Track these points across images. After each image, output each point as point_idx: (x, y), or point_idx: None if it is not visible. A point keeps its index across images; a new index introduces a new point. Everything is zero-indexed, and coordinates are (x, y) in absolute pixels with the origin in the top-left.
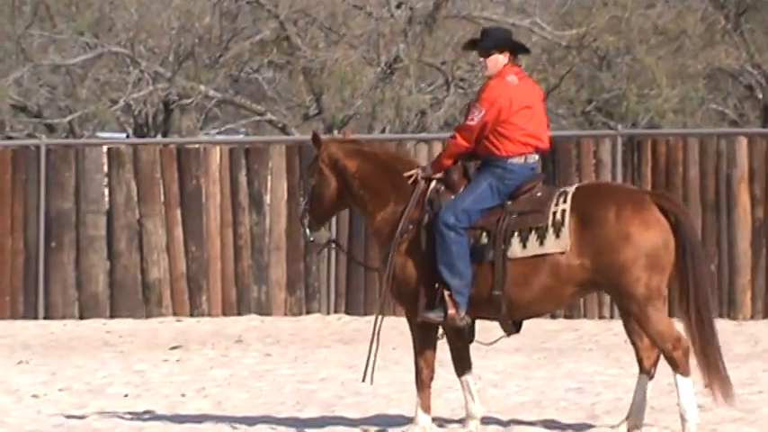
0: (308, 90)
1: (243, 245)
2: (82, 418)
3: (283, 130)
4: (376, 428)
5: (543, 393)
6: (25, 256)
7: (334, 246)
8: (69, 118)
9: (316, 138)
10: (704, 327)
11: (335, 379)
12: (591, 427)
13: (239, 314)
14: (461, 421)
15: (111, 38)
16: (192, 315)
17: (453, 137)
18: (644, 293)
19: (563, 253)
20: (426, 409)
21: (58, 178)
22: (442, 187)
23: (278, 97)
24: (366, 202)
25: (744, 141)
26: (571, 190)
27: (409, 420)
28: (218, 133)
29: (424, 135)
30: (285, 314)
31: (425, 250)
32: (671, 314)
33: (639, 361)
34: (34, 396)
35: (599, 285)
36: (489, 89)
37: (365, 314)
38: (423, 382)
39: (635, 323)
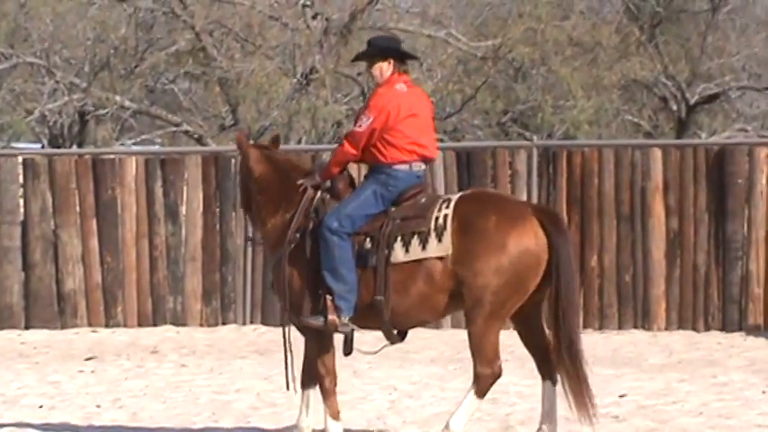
0: (224, 101)
1: (158, 255)
2: None
3: (199, 140)
4: None
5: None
6: None
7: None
8: None
9: (239, 141)
10: (571, 346)
11: (251, 390)
12: None
13: (155, 325)
14: None
15: (26, 48)
16: (107, 326)
17: (341, 144)
18: (493, 307)
19: (443, 258)
20: (335, 415)
21: None
22: (328, 196)
23: (194, 108)
24: (260, 208)
25: (658, 153)
26: (455, 197)
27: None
28: (133, 144)
29: None
30: (201, 325)
31: (310, 258)
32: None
33: (540, 370)
34: None
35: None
36: (377, 97)
37: (281, 325)
38: (327, 389)
39: (473, 334)
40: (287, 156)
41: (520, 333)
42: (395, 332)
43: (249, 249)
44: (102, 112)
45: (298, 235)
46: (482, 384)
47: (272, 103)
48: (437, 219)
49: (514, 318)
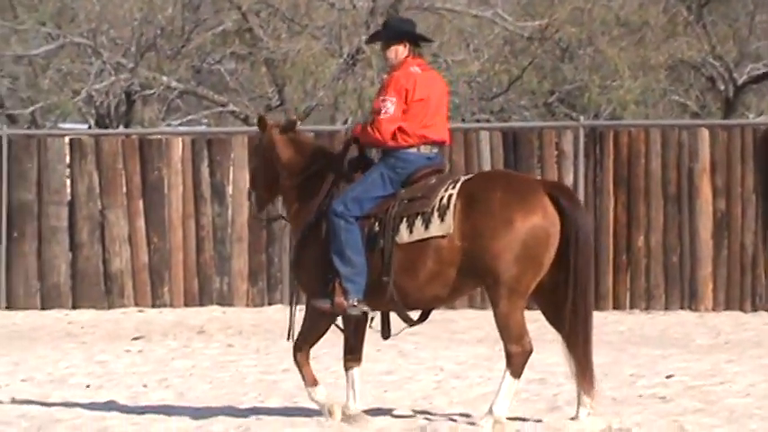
0: (270, 81)
1: (205, 236)
2: (45, 408)
3: (245, 120)
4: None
5: None
6: None
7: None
8: (31, 109)
9: (261, 121)
10: (581, 323)
11: (297, 370)
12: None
13: (201, 305)
14: (423, 412)
15: (73, 28)
16: (153, 306)
17: (369, 130)
18: (510, 284)
19: (445, 237)
20: (312, 382)
21: (20, 169)
22: (343, 182)
23: (240, 88)
24: (286, 191)
25: (705, 133)
26: (464, 177)
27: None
28: (180, 124)
29: None
30: (247, 305)
31: (323, 240)
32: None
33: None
34: None
35: (479, 274)
36: (395, 81)
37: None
38: (299, 361)
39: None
40: (310, 139)
41: (544, 312)
42: (410, 314)
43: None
44: (148, 92)
45: (313, 218)
46: (515, 363)
47: (319, 84)
48: (441, 198)
49: (536, 297)
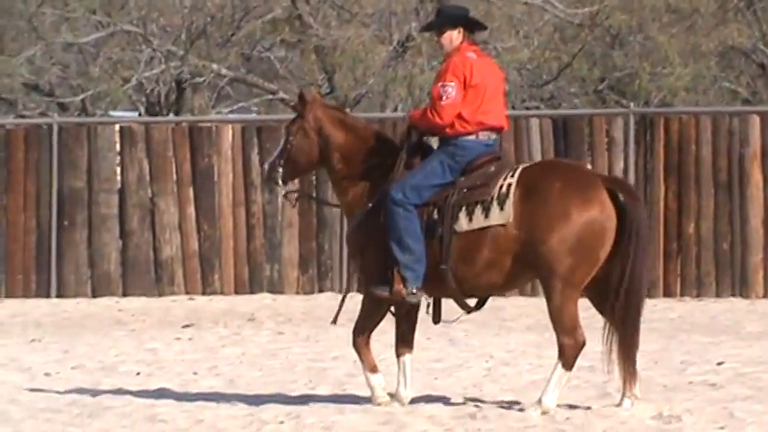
0: (320, 68)
1: (255, 223)
2: (95, 395)
3: (295, 108)
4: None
5: None
6: (38, 234)
7: (308, 198)
8: (81, 96)
9: (303, 98)
10: (630, 316)
11: (348, 357)
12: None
13: (251, 293)
14: (477, 399)
15: (123, 16)
16: (204, 293)
17: (431, 115)
18: (565, 277)
19: (505, 226)
20: (373, 369)
21: (71, 157)
22: (403, 168)
23: (290, 76)
24: (342, 177)
25: (756, 120)
26: (523, 166)
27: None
28: (230, 112)
29: None
30: (297, 293)
31: (381, 227)
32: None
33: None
34: (47, 374)
35: (534, 264)
36: (453, 66)
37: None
38: (359, 345)
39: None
40: (355, 119)
41: (593, 302)
42: (468, 301)
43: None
44: (198, 80)
45: (371, 204)
46: (567, 355)
47: (369, 71)
48: (501, 187)
49: (588, 288)
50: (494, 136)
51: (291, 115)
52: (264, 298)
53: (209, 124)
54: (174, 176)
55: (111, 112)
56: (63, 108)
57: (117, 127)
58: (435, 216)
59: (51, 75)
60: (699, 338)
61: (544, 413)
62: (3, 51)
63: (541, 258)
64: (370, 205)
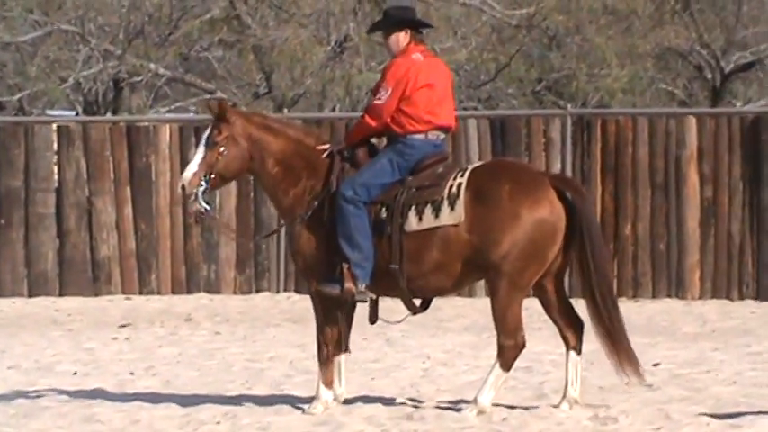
0: (258, 68)
1: (192, 223)
2: (31, 395)
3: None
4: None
5: None
6: None
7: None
8: (19, 96)
9: (223, 106)
10: (608, 309)
11: (285, 358)
12: (538, 406)
13: (188, 292)
14: (414, 400)
15: (60, 15)
16: (141, 293)
17: (362, 116)
18: (512, 278)
19: (456, 226)
20: (328, 384)
21: (8, 156)
22: (347, 165)
23: (228, 75)
24: (280, 180)
25: (693, 121)
26: (472, 166)
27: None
28: (167, 111)
29: None
30: (234, 293)
31: (327, 225)
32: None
33: (564, 338)
34: None
35: (483, 266)
36: (395, 67)
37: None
38: (324, 357)
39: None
40: (278, 121)
41: (542, 302)
42: (416, 302)
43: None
44: (136, 79)
45: (316, 203)
46: (506, 356)
47: (306, 71)
48: (451, 187)
49: (536, 287)
50: (442, 136)
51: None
52: (201, 298)
53: (146, 124)
54: (112, 176)
55: (49, 112)
56: (0, 107)
57: (54, 126)
58: (383, 215)
59: None
60: (635, 339)
61: (480, 413)
62: None
63: (491, 260)
64: (316, 203)
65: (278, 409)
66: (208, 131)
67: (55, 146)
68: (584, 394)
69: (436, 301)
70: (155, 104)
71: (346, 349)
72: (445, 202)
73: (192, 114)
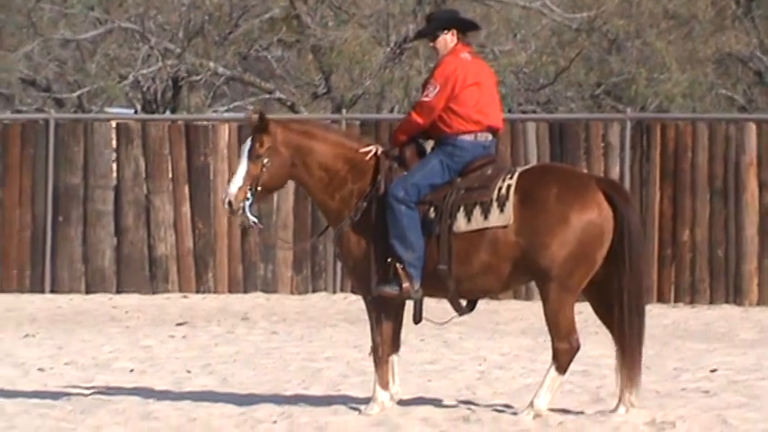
0: (317, 69)
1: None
2: (88, 392)
3: (292, 108)
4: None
5: None
6: (33, 230)
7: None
8: (78, 93)
9: (263, 117)
10: (632, 315)
11: (341, 358)
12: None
13: (245, 292)
14: (467, 402)
15: (121, 13)
16: (198, 292)
17: (409, 113)
18: (562, 281)
19: (505, 227)
20: (385, 385)
21: (67, 153)
22: (395, 164)
23: (287, 75)
24: (325, 184)
25: (753, 127)
26: (520, 169)
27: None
28: (226, 111)
29: None
30: (291, 292)
31: (378, 226)
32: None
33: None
34: (40, 369)
35: (531, 269)
36: (444, 65)
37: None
38: (380, 358)
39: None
40: (316, 126)
41: (593, 306)
42: (462, 303)
43: None
44: (195, 78)
45: (364, 204)
46: (561, 359)
47: (365, 72)
48: (500, 189)
49: (586, 290)
50: (491, 137)
51: (289, 115)
52: (258, 297)
53: (205, 123)
54: (170, 174)
55: (108, 109)
56: (60, 104)
57: (113, 124)
58: (432, 215)
59: (49, 71)
60: (692, 345)
61: (536, 416)
62: (1, 46)
63: (540, 263)
64: (364, 204)
65: (335, 409)
66: (249, 144)
67: (114, 143)
68: (642, 399)
69: (493, 304)
70: (213, 103)
71: (397, 348)
72: (494, 204)
73: None
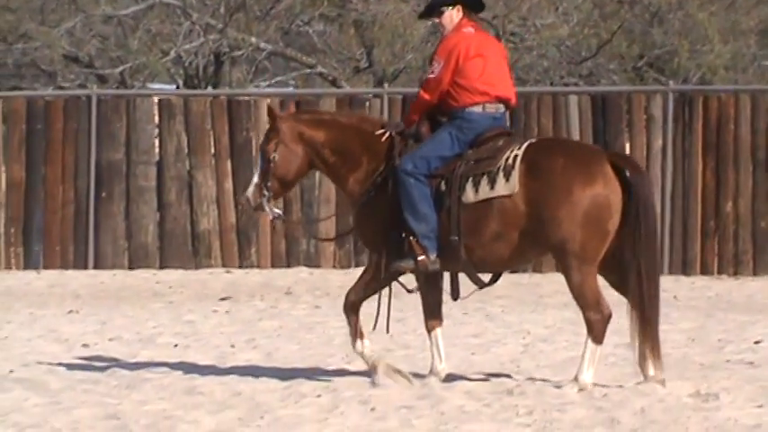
0: (358, 43)
1: (292, 197)
2: (132, 367)
3: (333, 83)
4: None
5: None
6: (75, 206)
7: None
8: (120, 68)
9: (272, 113)
10: (648, 290)
11: (384, 332)
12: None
13: (288, 266)
14: (509, 376)
15: None
16: (241, 267)
17: (418, 92)
18: (576, 253)
19: (510, 196)
20: (358, 335)
21: (109, 129)
22: (411, 141)
23: (328, 50)
24: (339, 168)
25: None
26: (530, 141)
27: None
28: (268, 86)
29: None
30: (334, 267)
31: (391, 201)
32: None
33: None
34: (84, 345)
35: (543, 242)
36: (446, 41)
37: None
38: (349, 314)
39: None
40: (330, 113)
41: (606, 278)
42: (479, 275)
43: None
44: (237, 53)
45: (380, 179)
46: (596, 330)
47: (407, 46)
48: (507, 159)
49: (603, 269)
50: (501, 108)
51: (329, 89)
52: (301, 272)
53: (247, 98)
54: (213, 150)
55: (150, 85)
56: (102, 80)
57: (156, 99)
58: (443, 188)
59: (90, 47)
60: (736, 317)
61: (581, 390)
62: (43, 23)
63: (549, 235)
64: (379, 179)
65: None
66: (262, 141)
67: (156, 119)
68: (686, 371)
69: (536, 278)
70: (255, 78)
71: (440, 323)
72: (500, 173)
73: (292, 89)
